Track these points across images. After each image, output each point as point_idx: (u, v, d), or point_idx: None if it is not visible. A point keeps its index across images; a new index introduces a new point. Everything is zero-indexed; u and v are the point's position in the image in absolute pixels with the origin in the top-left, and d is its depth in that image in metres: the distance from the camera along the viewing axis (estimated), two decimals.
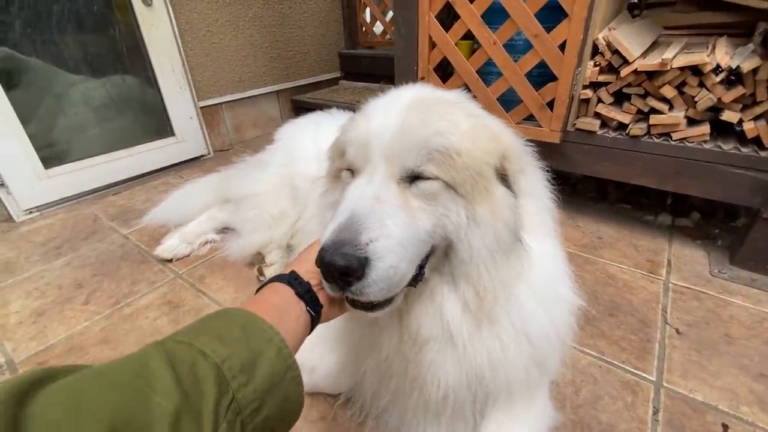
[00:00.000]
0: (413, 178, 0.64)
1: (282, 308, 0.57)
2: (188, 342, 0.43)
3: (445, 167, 0.62)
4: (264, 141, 1.96)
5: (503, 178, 0.69)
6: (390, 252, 0.57)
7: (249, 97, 2.84)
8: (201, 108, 2.55)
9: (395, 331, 0.76)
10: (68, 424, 0.32)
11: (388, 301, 0.63)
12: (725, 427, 0.92)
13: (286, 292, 0.60)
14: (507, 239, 0.67)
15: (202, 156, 2.62)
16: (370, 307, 0.63)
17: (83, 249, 1.68)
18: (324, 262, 0.56)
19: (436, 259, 0.69)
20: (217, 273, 1.52)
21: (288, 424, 0.51)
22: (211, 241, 1.67)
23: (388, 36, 3.24)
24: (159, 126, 2.43)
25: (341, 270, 0.55)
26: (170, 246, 1.58)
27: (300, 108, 3.00)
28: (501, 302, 0.69)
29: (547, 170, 0.86)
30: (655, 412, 0.96)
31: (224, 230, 1.70)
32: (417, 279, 0.66)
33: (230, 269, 1.53)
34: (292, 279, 0.62)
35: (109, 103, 2.24)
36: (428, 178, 0.63)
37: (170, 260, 1.57)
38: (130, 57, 2.25)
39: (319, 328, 0.93)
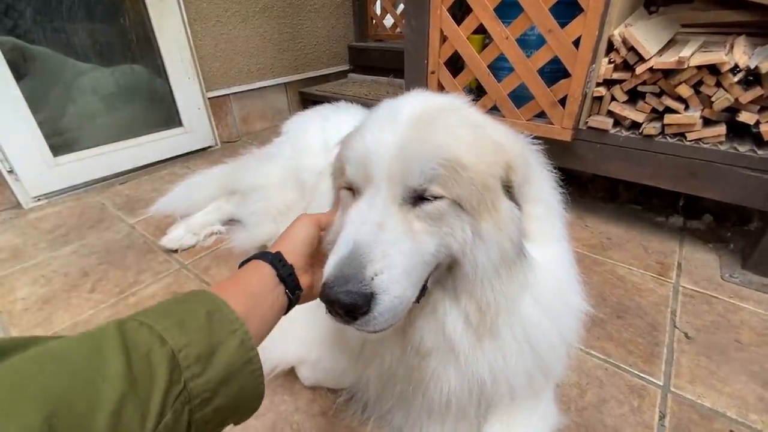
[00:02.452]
0: (416, 199, 0.61)
1: (258, 294, 0.57)
2: (150, 325, 0.43)
3: (449, 184, 0.60)
4: (271, 133, 1.96)
5: (508, 189, 0.67)
6: (395, 283, 0.56)
7: (257, 88, 2.82)
8: (209, 99, 2.54)
9: (398, 342, 0.76)
10: (7, 404, 0.32)
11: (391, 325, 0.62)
12: None
13: (267, 274, 0.60)
14: (511, 253, 0.65)
15: (209, 147, 2.62)
16: (374, 331, 0.61)
17: (90, 237, 1.69)
18: (329, 300, 0.55)
19: (439, 273, 0.68)
20: (221, 264, 1.52)
21: (242, 416, 0.51)
22: (216, 233, 1.67)
23: (398, 29, 3.21)
24: (167, 116, 2.43)
25: (347, 308, 0.54)
26: (176, 236, 1.58)
27: (308, 100, 2.99)
28: (503, 316, 0.68)
29: (556, 172, 0.84)
30: (662, 418, 0.95)
31: (230, 222, 1.70)
32: (421, 295, 0.65)
33: (235, 261, 1.53)
34: (276, 260, 0.62)
35: (117, 92, 2.24)
36: (433, 199, 0.60)
37: (176, 251, 1.57)
38: (140, 46, 2.25)
39: (326, 327, 0.93)
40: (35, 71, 1.92)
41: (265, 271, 0.60)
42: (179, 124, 2.47)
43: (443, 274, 0.68)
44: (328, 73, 3.28)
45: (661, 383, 1.03)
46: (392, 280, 0.56)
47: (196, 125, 2.52)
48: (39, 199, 1.98)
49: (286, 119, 1.75)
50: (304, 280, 0.65)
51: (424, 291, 0.66)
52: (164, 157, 2.41)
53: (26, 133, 1.88)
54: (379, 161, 0.61)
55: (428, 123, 0.63)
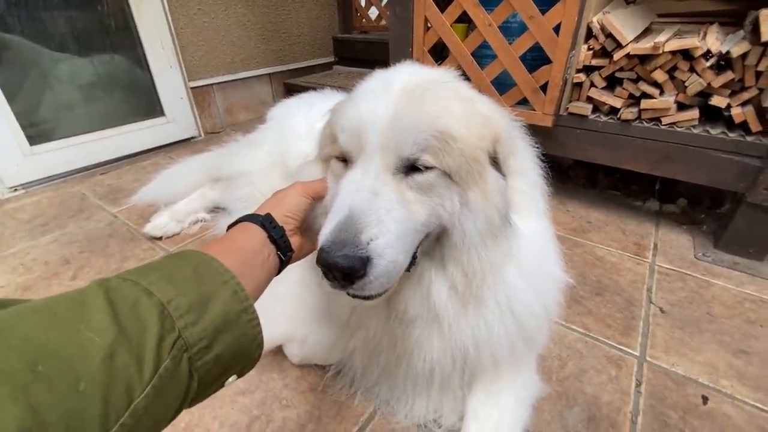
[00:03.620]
0: (408, 168, 0.63)
1: (249, 252, 0.57)
2: (134, 280, 0.42)
3: (441, 155, 0.62)
4: (256, 124, 1.94)
5: (494, 161, 0.70)
6: (389, 248, 0.57)
7: (241, 79, 2.80)
8: (191, 89, 2.51)
9: (382, 310, 0.78)
10: None
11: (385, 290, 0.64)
12: (705, 398, 0.95)
13: (257, 235, 0.60)
14: (497, 222, 0.68)
15: (192, 138, 2.59)
16: (369, 297, 0.63)
17: (70, 226, 1.65)
18: (326, 264, 0.56)
19: (428, 244, 0.70)
20: None
21: (243, 366, 0.51)
22: (201, 220, 1.65)
23: (383, 21, 3.21)
24: (148, 106, 2.39)
25: (344, 271, 0.55)
26: (160, 223, 1.56)
27: (293, 91, 2.96)
28: (488, 283, 0.71)
29: (537, 147, 0.87)
30: (638, 385, 0.99)
31: (215, 209, 1.69)
32: (411, 264, 0.67)
33: None
34: (266, 222, 0.62)
35: (97, 81, 2.19)
36: (424, 169, 0.63)
37: (160, 238, 1.56)
38: (119, 35, 2.20)
39: (312, 303, 0.94)
40: (9, 60, 1.87)
41: (254, 232, 0.60)
42: (161, 114, 2.43)
43: (432, 245, 0.70)
44: (313, 65, 3.26)
45: (638, 354, 1.07)
46: (387, 245, 0.57)
47: (178, 115, 2.48)
48: (15, 189, 1.93)
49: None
50: (293, 241, 0.65)
51: (414, 260, 0.68)
52: (146, 148, 2.37)
53: (1, 121, 1.83)
54: (373, 130, 0.63)
55: (421, 94, 0.64)
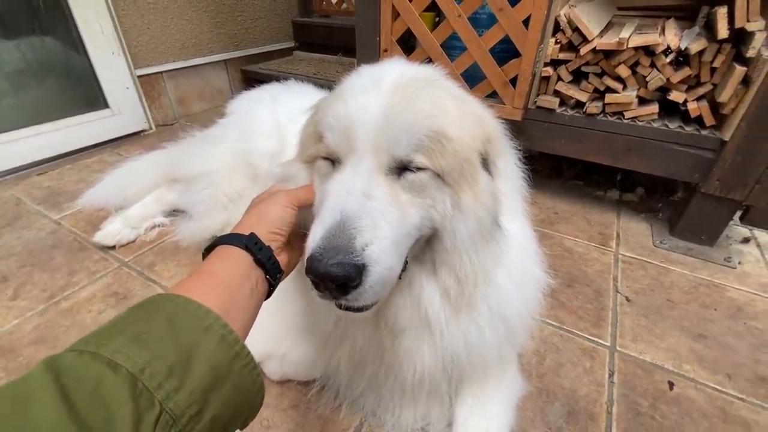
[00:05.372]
0: (401, 169, 0.60)
1: (234, 283, 0.51)
2: (94, 351, 0.36)
3: (434, 155, 0.59)
4: (213, 115, 1.82)
5: (484, 161, 0.68)
6: (385, 254, 0.54)
7: (193, 66, 2.60)
8: (139, 77, 2.29)
9: (370, 320, 0.74)
10: None
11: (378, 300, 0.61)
12: (671, 384, 1.01)
13: (241, 260, 0.54)
14: (488, 225, 0.67)
15: (142, 131, 2.38)
16: (361, 309, 0.59)
17: (6, 237, 1.48)
18: (318, 273, 0.51)
19: (418, 247, 0.67)
20: (168, 260, 1.40)
21: (246, 418, 0.47)
22: (159, 225, 1.53)
23: (344, 4, 3.09)
24: (89, 96, 2.16)
25: (339, 281, 0.51)
26: (112, 231, 1.43)
27: (252, 79, 2.81)
28: (481, 288, 0.69)
29: (519, 149, 0.86)
30: (611, 375, 1.04)
31: (174, 213, 1.57)
32: (402, 270, 0.64)
33: (183, 255, 1.42)
34: (251, 243, 0.55)
35: (26, 69, 1.94)
36: (417, 170, 0.60)
37: (113, 247, 1.43)
38: (49, 15, 1.95)
39: (292, 316, 0.90)
40: None
41: (237, 257, 0.54)
42: (105, 105, 2.21)
43: (421, 249, 0.68)
44: (272, 50, 3.09)
45: (609, 344, 1.12)
46: (383, 250, 0.54)
47: (125, 107, 2.27)
48: None
49: (228, 99, 1.64)
50: (281, 259, 0.60)
51: (405, 267, 0.65)
52: (89, 144, 2.15)
53: None
54: (364, 129, 0.59)
55: (414, 92, 0.61)
